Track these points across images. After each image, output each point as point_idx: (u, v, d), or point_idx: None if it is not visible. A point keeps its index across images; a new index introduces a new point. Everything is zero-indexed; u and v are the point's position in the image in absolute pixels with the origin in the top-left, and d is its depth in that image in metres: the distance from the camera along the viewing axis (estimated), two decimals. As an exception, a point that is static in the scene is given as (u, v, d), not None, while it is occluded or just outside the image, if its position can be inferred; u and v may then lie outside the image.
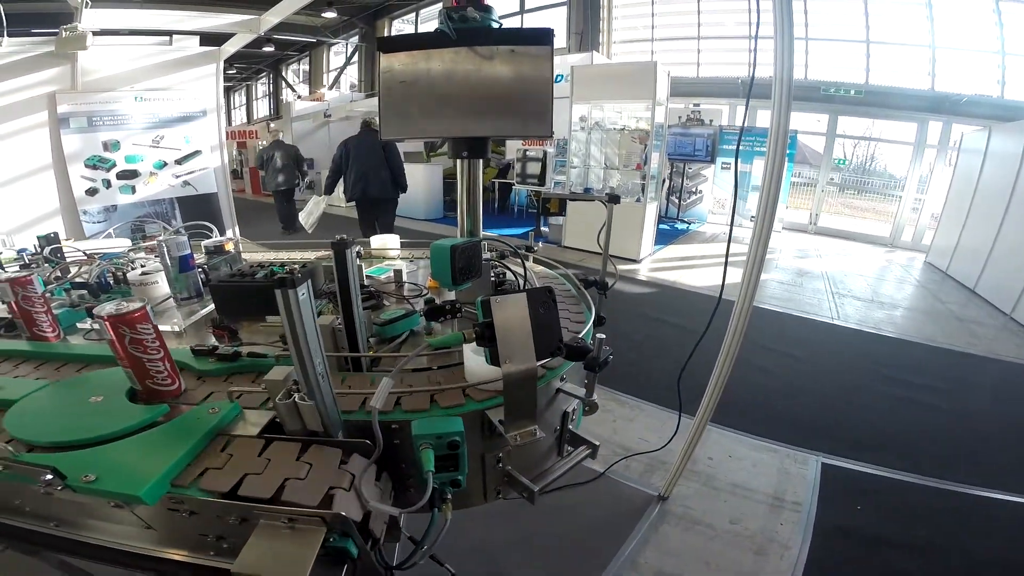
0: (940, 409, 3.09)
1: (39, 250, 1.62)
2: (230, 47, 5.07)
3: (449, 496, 0.80)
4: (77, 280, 1.41)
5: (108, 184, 4.13)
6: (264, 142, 10.21)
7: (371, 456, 0.74)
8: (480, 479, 0.95)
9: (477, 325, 0.70)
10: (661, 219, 6.74)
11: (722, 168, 8.44)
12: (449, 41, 1.15)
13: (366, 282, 1.43)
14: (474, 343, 0.74)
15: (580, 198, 1.57)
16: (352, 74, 16.03)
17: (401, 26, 14.79)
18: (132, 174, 4.22)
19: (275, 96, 19.87)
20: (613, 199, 1.19)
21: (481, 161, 1.21)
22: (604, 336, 0.85)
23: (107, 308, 0.84)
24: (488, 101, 1.15)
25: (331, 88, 15.25)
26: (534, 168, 6.13)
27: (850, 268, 6.57)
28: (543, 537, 2.01)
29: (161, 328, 1.17)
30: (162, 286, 1.33)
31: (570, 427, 1.04)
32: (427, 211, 9.04)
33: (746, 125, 7.85)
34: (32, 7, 7.41)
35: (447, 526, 0.81)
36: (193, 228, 2.09)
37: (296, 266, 1.29)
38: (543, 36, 1.13)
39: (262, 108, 20.91)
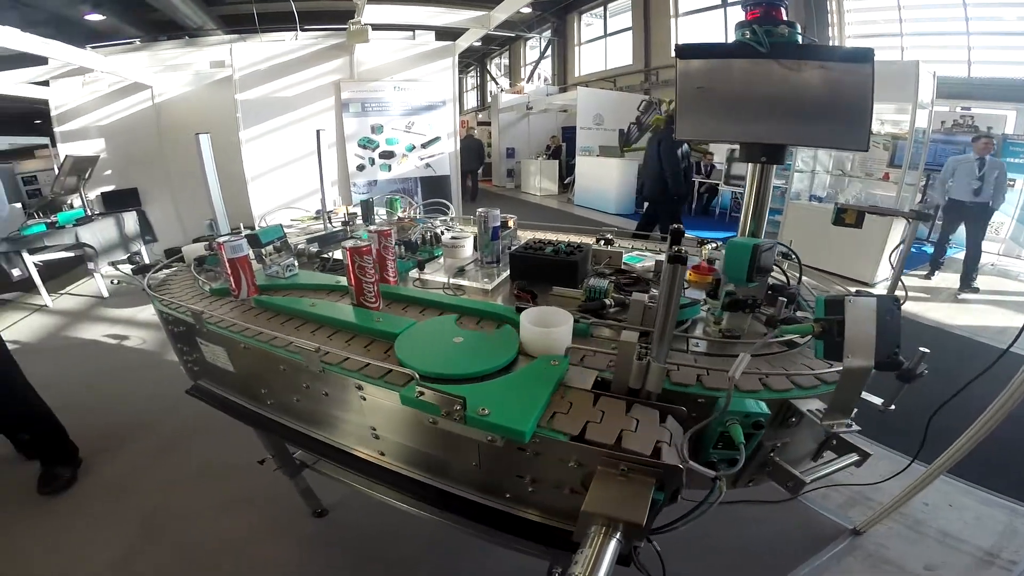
0: None
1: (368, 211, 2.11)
2: (463, 42, 5.67)
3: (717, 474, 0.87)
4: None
5: (372, 162, 5.01)
6: (476, 131, 11.52)
7: (682, 421, 0.85)
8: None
9: (819, 320, 0.75)
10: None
11: (1004, 186, 6.78)
12: (751, 52, 1.20)
13: (622, 268, 1.58)
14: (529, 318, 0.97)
15: (882, 211, 1.43)
16: (545, 68, 16.61)
17: (590, 20, 14.84)
18: (390, 155, 5.05)
19: (481, 89, 21.53)
20: (921, 216, 1.13)
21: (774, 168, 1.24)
22: (928, 351, 0.84)
23: (348, 243, 1.19)
24: (793, 111, 1.17)
25: (527, 81, 16.04)
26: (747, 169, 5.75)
27: None
28: (713, 541, 1.98)
29: (471, 285, 1.45)
30: (467, 249, 1.63)
31: (840, 433, 1.04)
32: (618, 206, 9.11)
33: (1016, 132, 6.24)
34: (305, 6, 9.06)
35: (720, 498, 0.89)
36: (432, 205, 2.46)
37: (573, 245, 1.48)
38: (863, 55, 1.12)
39: (470, 100, 22.84)
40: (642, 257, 1.64)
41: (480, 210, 1.47)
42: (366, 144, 4.93)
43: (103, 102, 5.48)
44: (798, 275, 1.26)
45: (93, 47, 5.03)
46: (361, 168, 4.97)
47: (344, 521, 2.06)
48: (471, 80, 22.76)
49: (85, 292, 5.05)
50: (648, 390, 0.83)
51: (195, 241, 1.69)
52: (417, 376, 0.87)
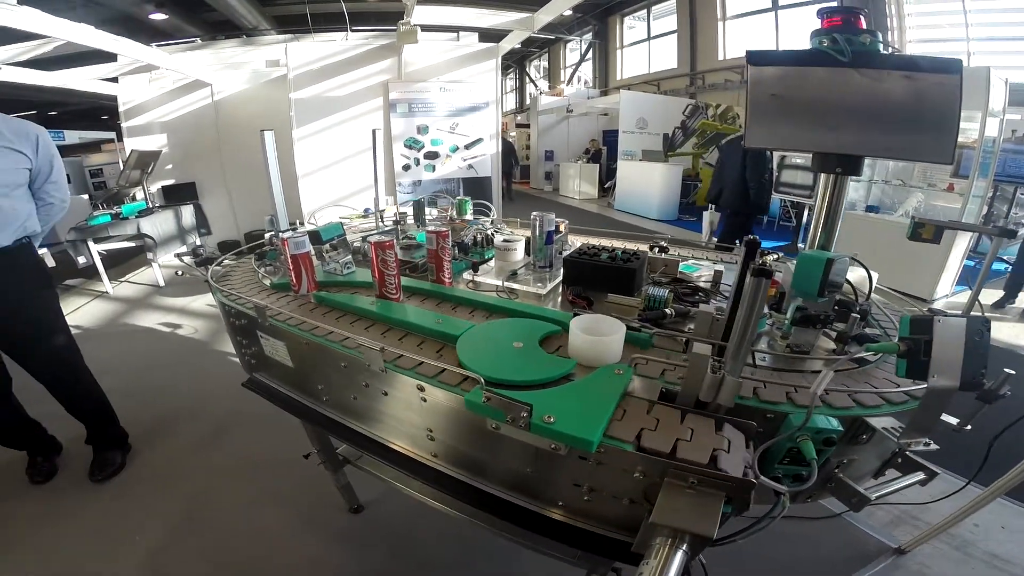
0: None
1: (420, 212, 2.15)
2: (506, 44, 5.67)
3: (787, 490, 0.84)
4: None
5: (417, 162, 5.09)
6: (513, 133, 11.54)
7: (753, 436, 0.83)
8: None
9: (904, 339, 0.73)
10: (971, 254, 5.13)
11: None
12: (828, 60, 1.17)
13: (679, 276, 1.56)
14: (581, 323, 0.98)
15: (963, 227, 1.36)
16: (585, 70, 16.46)
17: (632, 23, 14.59)
18: (434, 155, 5.12)
19: (520, 91, 21.55)
20: (1005, 233, 1.08)
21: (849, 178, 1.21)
22: (1012, 372, 0.81)
23: (373, 238, 1.28)
24: (873, 121, 1.14)
25: (567, 84, 15.97)
26: (799, 177, 5.47)
27: None
28: (755, 555, 1.92)
29: (525, 289, 1.45)
30: (518, 252, 1.64)
31: (907, 451, 1.01)
32: (660, 211, 9.00)
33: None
34: (354, 7, 9.26)
35: (783, 513, 0.87)
36: (473, 206, 2.48)
37: (630, 252, 1.47)
38: (951, 66, 1.09)
39: (509, 102, 22.86)
40: (698, 266, 1.62)
41: (535, 213, 1.48)
42: (412, 144, 5.02)
43: (167, 99, 5.75)
44: (867, 291, 1.22)
45: (158, 45, 5.29)
46: (407, 168, 5.06)
47: (380, 519, 2.08)
48: (509, 82, 22.76)
49: (143, 280, 5.32)
50: (719, 403, 0.82)
51: (246, 235, 1.76)
52: (483, 381, 0.87)
